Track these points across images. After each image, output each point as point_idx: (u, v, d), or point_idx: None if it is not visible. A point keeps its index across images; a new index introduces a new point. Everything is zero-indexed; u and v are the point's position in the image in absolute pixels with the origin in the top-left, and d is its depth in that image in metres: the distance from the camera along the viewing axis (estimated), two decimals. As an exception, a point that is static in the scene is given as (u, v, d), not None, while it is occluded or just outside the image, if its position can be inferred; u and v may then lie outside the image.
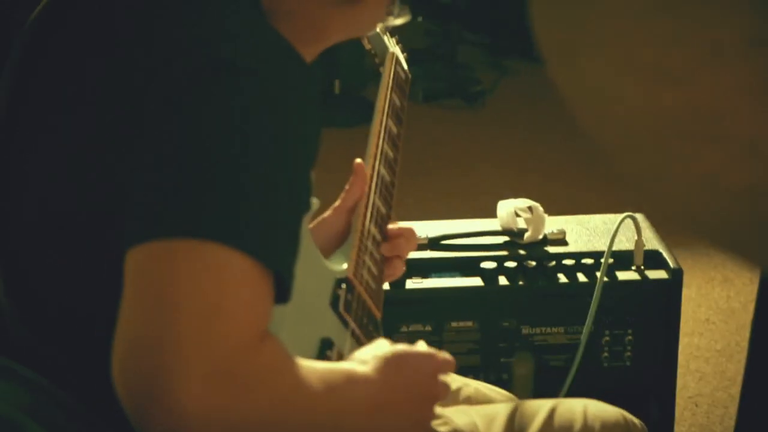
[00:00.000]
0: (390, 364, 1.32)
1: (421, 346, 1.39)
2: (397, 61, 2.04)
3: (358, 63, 4.75)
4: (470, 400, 1.89)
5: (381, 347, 1.35)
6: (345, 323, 1.44)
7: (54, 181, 1.28)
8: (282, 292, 1.18)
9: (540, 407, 1.79)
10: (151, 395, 1.07)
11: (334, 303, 1.44)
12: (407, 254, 1.78)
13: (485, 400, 1.90)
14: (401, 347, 1.36)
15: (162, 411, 1.07)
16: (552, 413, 1.77)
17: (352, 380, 1.27)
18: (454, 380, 1.93)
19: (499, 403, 1.90)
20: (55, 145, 1.29)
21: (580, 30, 0.76)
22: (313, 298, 1.40)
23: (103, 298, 1.22)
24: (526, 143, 4.77)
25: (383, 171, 1.76)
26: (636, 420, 1.84)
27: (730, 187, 0.71)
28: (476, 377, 2.30)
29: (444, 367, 1.39)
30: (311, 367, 1.22)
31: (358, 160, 1.73)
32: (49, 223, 1.28)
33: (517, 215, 2.50)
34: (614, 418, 1.82)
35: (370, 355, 1.33)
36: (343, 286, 1.46)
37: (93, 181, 1.25)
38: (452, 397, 1.89)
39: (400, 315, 2.36)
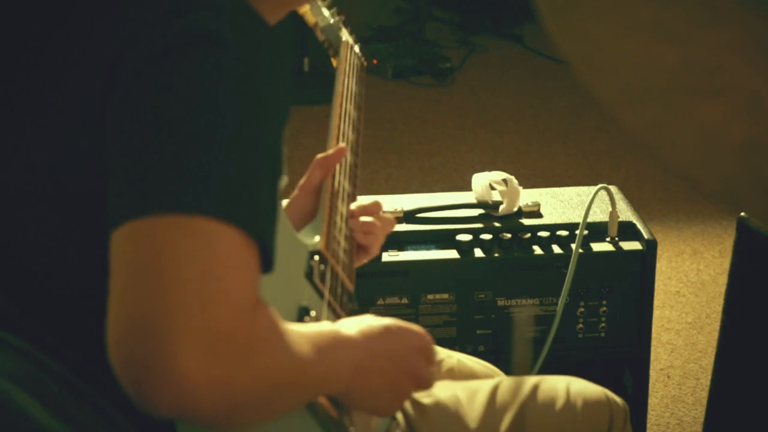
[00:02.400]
0: (375, 332, 1.35)
1: (407, 323, 1.41)
2: (352, 50, 2.07)
3: (327, 40, 4.74)
4: (453, 372, 1.90)
5: (367, 319, 1.37)
6: (320, 294, 1.45)
7: (33, 161, 1.27)
8: (266, 261, 1.19)
9: (522, 384, 1.80)
10: (151, 370, 1.07)
11: (309, 274, 1.44)
12: (381, 231, 1.79)
13: (468, 372, 1.91)
14: (388, 320, 1.38)
15: (164, 384, 1.07)
16: (535, 390, 1.78)
17: (338, 342, 1.29)
18: (437, 352, 1.94)
19: (481, 375, 1.91)
20: (30, 127, 1.28)
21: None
22: (288, 269, 1.41)
23: (91, 276, 1.22)
24: (497, 119, 4.78)
25: (347, 153, 1.78)
26: (618, 398, 1.85)
27: (730, 142, 0.72)
28: (452, 349, 2.31)
29: (427, 348, 1.41)
30: (300, 331, 1.23)
31: (317, 156, 1.74)
32: (31, 202, 1.27)
33: (492, 188, 2.51)
34: (596, 396, 1.82)
35: (355, 323, 1.35)
36: (316, 257, 1.47)
37: (73, 160, 1.24)
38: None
39: (376, 288, 2.37)
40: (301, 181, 1.74)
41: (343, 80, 1.96)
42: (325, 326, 1.32)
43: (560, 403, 1.79)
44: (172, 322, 1.08)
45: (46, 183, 1.26)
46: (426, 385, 1.42)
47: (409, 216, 2.48)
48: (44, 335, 1.28)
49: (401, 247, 2.40)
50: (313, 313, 1.39)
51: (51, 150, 1.25)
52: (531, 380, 1.81)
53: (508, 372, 1.99)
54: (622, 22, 0.75)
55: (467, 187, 2.55)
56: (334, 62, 2.06)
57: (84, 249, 1.25)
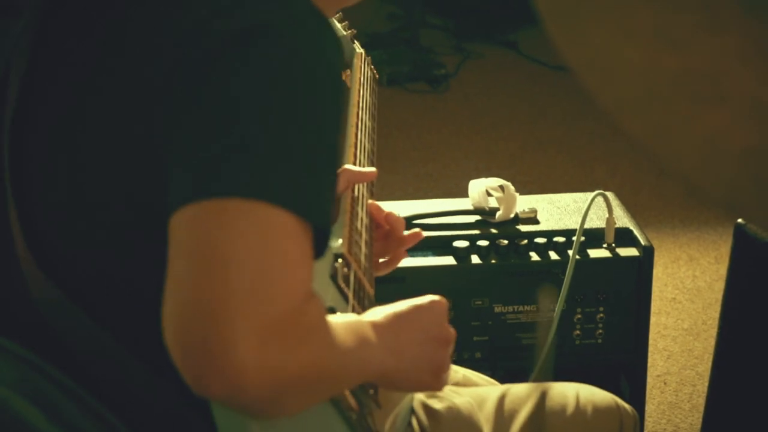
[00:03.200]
0: (395, 312, 1.36)
1: (424, 297, 1.43)
2: (366, 61, 2.09)
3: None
4: (458, 387, 1.90)
5: (386, 307, 1.39)
6: (344, 296, 1.45)
7: (87, 154, 1.28)
8: (321, 247, 1.20)
9: (531, 391, 1.80)
10: (209, 354, 1.07)
11: (334, 275, 1.45)
12: (402, 252, 1.83)
13: (472, 386, 1.91)
14: (406, 302, 1.40)
15: (220, 368, 1.07)
16: (544, 397, 1.78)
17: (368, 329, 1.30)
18: None
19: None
20: (83, 121, 1.28)
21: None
22: (316, 270, 1.41)
23: (143, 265, 1.23)
24: (492, 125, 4.78)
25: (364, 161, 1.81)
26: (627, 406, 1.85)
27: (732, 148, 0.72)
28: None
29: (446, 310, 1.44)
30: (340, 321, 1.25)
31: (346, 166, 1.75)
32: (82, 196, 1.28)
33: (489, 194, 2.51)
34: (606, 403, 1.82)
35: (381, 309, 1.37)
36: (340, 260, 1.48)
37: (130, 149, 1.24)
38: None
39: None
40: None
41: (359, 90, 1.98)
42: (351, 316, 1.34)
43: (570, 409, 1.79)
44: (232, 308, 1.08)
45: (97, 177, 1.27)
46: (452, 343, 1.43)
47: (406, 223, 2.48)
48: (44, 340, 1.28)
49: (398, 254, 2.40)
50: (338, 315, 1.40)
51: (112, 142, 1.26)
52: (540, 387, 1.81)
53: (503, 383, 1.98)
54: (624, 28, 0.75)
55: (463, 194, 2.55)
56: (343, 75, 2.07)
57: (134, 243, 1.26)
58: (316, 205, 1.18)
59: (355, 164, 1.77)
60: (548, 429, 1.76)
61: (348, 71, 2.06)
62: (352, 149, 1.79)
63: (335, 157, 1.24)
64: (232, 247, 1.10)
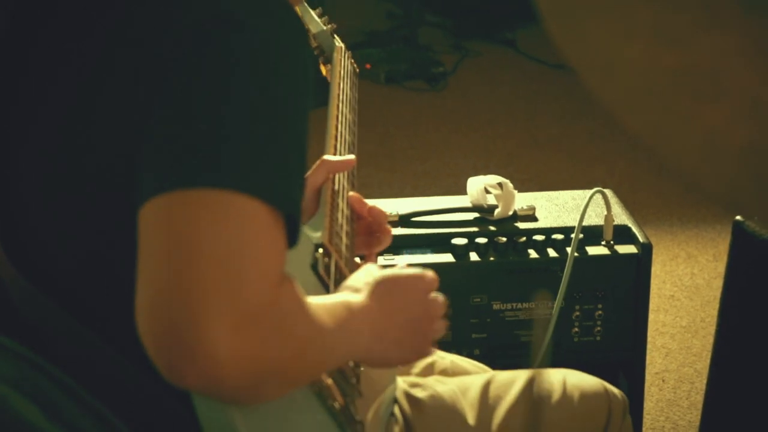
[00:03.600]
0: (382, 289, 1.36)
1: (408, 268, 1.43)
2: (346, 55, 2.09)
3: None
4: (446, 373, 1.90)
5: (370, 272, 1.39)
6: (325, 286, 1.46)
7: (57, 143, 1.28)
8: (293, 235, 1.20)
9: (517, 377, 1.79)
10: (182, 344, 1.08)
11: (314, 265, 1.46)
12: (385, 228, 1.80)
13: (462, 373, 1.91)
14: (390, 271, 1.39)
15: (194, 357, 1.08)
16: (530, 383, 1.78)
17: (353, 310, 1.30)
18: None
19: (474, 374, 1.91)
20: (57, 110, 1.29)
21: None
22: (294, 260, 1.42)
23: (115, 253, 1.23)
24: (490, 123, 4.78)
25: (344, 153, 1.82)
26: (616, 390, 1.84)
27: (732, 145, 0.72)
28: (447, 353, 2.30)
29: (433, 284, 1.44)
30: (319, 304, 1.25)
31: (324, 157, 1.75)
32: (54, 184, 1.28)
33: (487, 192, 2.51)
34: (594, 388, 1.82)
35: (362, 282, 1.37)
36: (320, 250, 1.49)
37: (99, 138, 1.25)
38: (427, 371, 1.90)
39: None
40: None
41: (339, 83, 1.98)
42: (335, 297, 1.34)
43: (557, 396, 1.78)
44: (203, 297, 1.08)
45: (68, 167, 1.27)
46: (441, 319, 1.43)
47: (404, 220, 2.48)
48: (44, 338, 1.28)
49: (396, 251, 2.40)
50: (321, 297, 1.40)
51: (73, 132, 1.26)
52: (525, 373, 1.80)
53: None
54: (624, 25, 0.75)
55: (461, 192, 2.56)
56: (324, 70, 2.08)
57: (105, 231, 1.26)
58: (286, 193, 1.18)
59: (335, 155, 1.78)
60: (534, 414, 1.76)
61: (328, 66, 2.07)
62: (332, 141, 1.81)
63: (303, 144, 1.24)
64: (202, 237, 1.11)
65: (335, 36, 2.15)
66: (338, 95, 1.94)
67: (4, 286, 1.32)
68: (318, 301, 1.26)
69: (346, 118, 1.91)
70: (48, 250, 1.30)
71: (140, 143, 1.19)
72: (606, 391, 1.82)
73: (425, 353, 1.44)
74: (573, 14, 0.77)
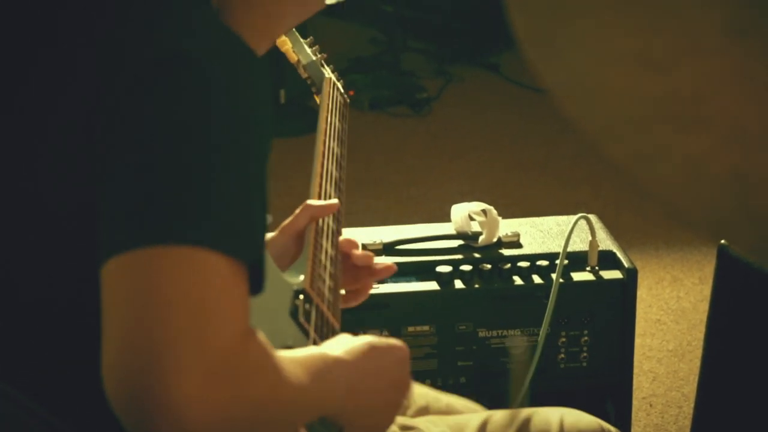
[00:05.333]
0: (360, 350, 1.35)
1: (383, 338, 1.42)
2: (335, 87, 2.07)
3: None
4: (441, 414, 1.88)
5: (348, 339, 1.38)
6: (305, 333, 1.44)
7: (23, 188, 1.26)
8: (257, 284, 1.19)
9: (514, 417, 1.77)
10: (148, 400, 1.06)
11: (294, 312, 1.44)
12: (371, 283, 1.80)
13: (444, 407, 1.89)
14: (368, 337, 1.38)
15: (162, 414, 1.06)
16: (527, 423, 1.75)
17: (328, 364, 1.29)
18: (424, 396, 1.92)
19: (462, 411, 1.89)
20: (18, 153, 1.26)
21: (559, 21, 0.76)
22: (273, 308, 1.40)
23: (77, 306, 1.22)
24: (474, 148, 4.78)
25: (330, 190, 1.77)
26: (613, 429, 1.82)
27: (715, 172, 0.71)
28: (433, 381, 2.30)
29: (407, 355, 1.43)
30: (292, 356, 1.23)
31: (307, 202, 1.73)
32: (21, 226, 1.26)
33: (471, 219, 2.51)
34: (591, 428, 1.79)
35: (340, 344, 1.36)
36: (301, 296, 1.46)
37: (60, 189, 1.23)
38: (422, 413, 1.88)
39: (356, 320, 2.35)
40: (285, 223, 1.73)
41: (327, 117, 1.95)
42: (312, 350, 1.32)
43: None
44: (169, 353, 1.07)
45: (39, 212, 1.25)
46: (409, 391, 1.43)
47: (388, 248, 2.47)
48: (26, 376, 1.26)
49: (381, 280, 2.39)
50: (297, 349, 1.38)
51: (43, 176, 1.24)
52: (523, 413, 1.78)
53: (489, 407, 1.97)
54: (604, 51, 0.74)
55: (445, 218, 2.55)
56: (317, 99, 2.05)
57: (74, 284, 1.24)
58: (248, 242, 1.18)
59: (320, 195, 1.76)
60: None
61: (320, 96, 2.05)
62: (318, 179, 1.77)
63: (263, 188, 1.23)
64: (166, 292, 1.10)
65: (325, 66, 2.13)
66: (325, 129, 1.91)
67: None
68: (291, 354, 1.25)
69: (333, 153, 1.88)
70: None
71: (93, 193, 1.18)
72: (603, 430, 1.80)
73: (390, 423, 1.43)
74: (552, 40, 0.76)
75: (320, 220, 1.69)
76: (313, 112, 4.80)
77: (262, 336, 1.17)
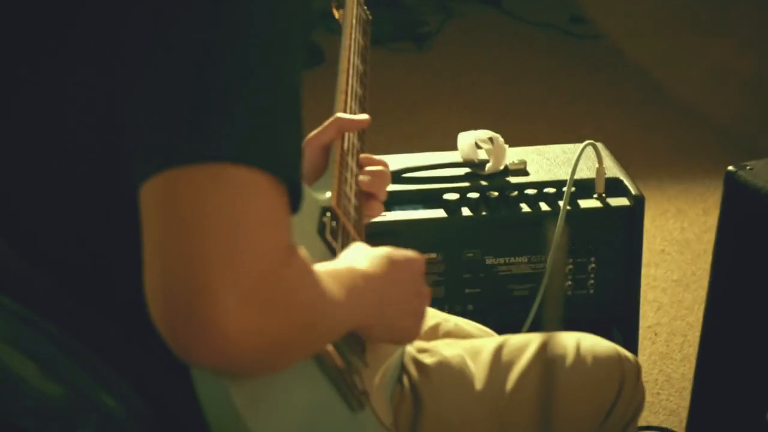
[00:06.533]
0: (382, 262, 1.37)
1: (400, 250, 1.43)
2: (358, 2, 2.02)
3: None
4: (450, 335, 1.88)
5: (365, 249, 1.39)
6: (333, 251, 1.44)
7: (49, 121, 1.24)
8: (296, 202, 1.18)
9: (530, 341, 1.76)
10: (190, 321, 1.06)
11: (321, 230, 1.43)
12: (384, 192, 1.78)
13: (466, 336, 1.89)
14: (385, 249, 1.40)
15: (204, 334, 1.06)
16: (543, 346, 1.74)
17: (358, 278, 1.30)
18: (434, 316, 1.92)
19: (479, 337, 1.89)
20: (45, 88, 1.24)
21: None
22: (300, 225, 1.40)
23: (113, 234, 1.22)
24: (476, 83, 4.76)
25: (354, 107, 1.76)
26: (630, 355, 1.81)
27: (737, 76, 0.71)
28: (441, 309, 2.30)
29: (423, 268, 1.47)
30: (326, 271, 1.24)
31: (338, 114, 1.71)
32: (49, 166, 1.25)
33: (478, 146, 2.50)
34: (608, 352, 1.78)
35: (362, 255, 1.37)
36: (328, 214, 1.46)
37: (91, 115, 1.21)
38: (431, 333, 1.88)
39: (364, 249, 2.35)
40: (311, 134, 1.71)
41: (350, 33, 1.90)
42: (339, 264, 1.33)
43: (570, 360, 1.75)
44: (210, 273, 1.06)
45: (62, 146, 1.24)
46: (429, 299, 1.47)
47: (395, 176, 2.47)
48: (44, 296, 1.26)
49: (388, 207, 2.39)
50: (328, 262, 1.38)
51: (64, 109, 1.23)
52: (538, 337, 1.77)
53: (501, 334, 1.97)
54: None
55: (449, 151, 2.54)
56: (337, 14, 2.01)
57: (103, 213, 1.24)
58: (287, 161, 1.16)
59: (345, 111, 1.73)
60: (547, 379, 1.74)
61: (341, 10, 2.01)
62: (342, 96, 1.74)
63: (299, 106, 1.20)
64: (205, 212, 1.08)
65: None
66: (349, 45, 1.86)
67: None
68: (324, 268, 1.25)
69: (357, 70, 1.84)
70: (39, 226, 1.28)
71: (129, 118, 1.16)
72: (619, 355, 1.79)
73: (416, 334, 1.45)
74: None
75: (346, 139, 1.68)
76: (316, 47, 4.78)
77: (303, 251, 1.17)
